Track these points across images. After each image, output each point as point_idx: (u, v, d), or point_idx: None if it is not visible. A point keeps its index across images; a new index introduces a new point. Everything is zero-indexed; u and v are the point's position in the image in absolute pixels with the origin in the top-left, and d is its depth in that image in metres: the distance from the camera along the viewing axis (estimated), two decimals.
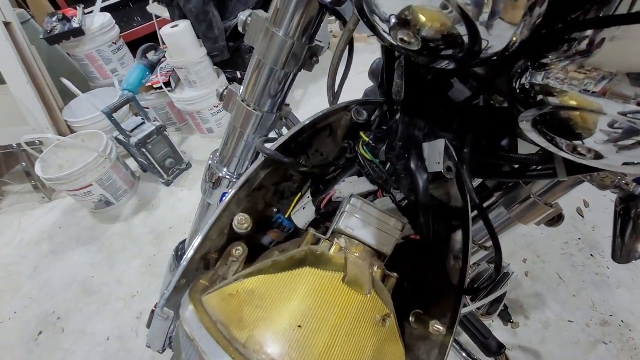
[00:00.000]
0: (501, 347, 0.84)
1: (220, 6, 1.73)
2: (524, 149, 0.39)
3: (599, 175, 0.35)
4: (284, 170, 0.40)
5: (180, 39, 1.58)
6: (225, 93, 0.45)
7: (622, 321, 1.16)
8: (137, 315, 1.30)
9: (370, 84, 0.53)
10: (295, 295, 0.28)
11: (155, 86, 1.79)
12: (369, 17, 0.25)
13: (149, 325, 0.62)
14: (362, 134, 0.39)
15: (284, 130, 0.48)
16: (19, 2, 2.06)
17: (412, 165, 0.33)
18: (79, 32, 1.75)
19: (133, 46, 2.01)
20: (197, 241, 0.33)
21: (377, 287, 0.30)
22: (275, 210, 0.42)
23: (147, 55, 1.81)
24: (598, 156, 0.23)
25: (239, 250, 0.36)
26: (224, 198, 0.40)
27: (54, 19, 1.77)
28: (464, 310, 0.71)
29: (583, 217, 1.43)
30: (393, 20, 0.23)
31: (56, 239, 1.60)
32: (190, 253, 0.32)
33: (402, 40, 0.23)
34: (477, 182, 0.50)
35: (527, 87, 0.25)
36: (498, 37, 0.22)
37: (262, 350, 0.25)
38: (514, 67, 0.26)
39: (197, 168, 1.82)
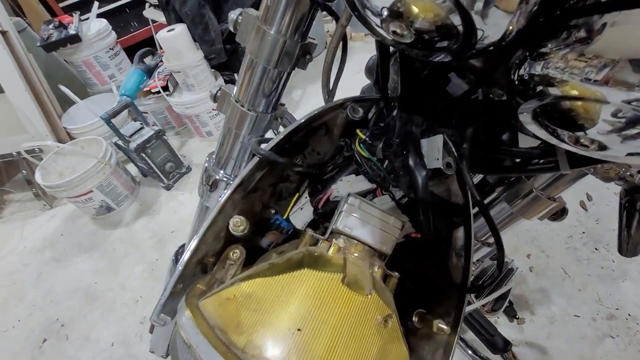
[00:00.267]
0: (507, 344, 0.83)
1: (216, 9, 1.73)
2: (524, 142, 0.38)
3: (602, 167, 0.34)
4: (280, 170, 0.39)
5: (176, 42, 1.57)
6: (218, 94, 0.45)
7: (628, 314, 1.15)
8: (141, 320, 1.29)
9: (367, 82, 0.52)
10: (294, 297, 0.27)
11: (153, 90, 1.79)
12: (361, 11, 0.24)
13: (151, 330, 0.62)
14: (358, 131, 0.38)
15: (281, 130, 0.48)
16: (15, 11, 2.07)
17: (411, 162, 0.33)
18: (75, 39, 1.75)
19: (130, 51, 2.01)
20: (192, 245, 0.32)
21: (377, 288, 0.29)
22: (272, 211, 0.41)
23: (145, 59, 1.82)
24: (602, 147, 0.23)
25: (236, 253, 0.35)
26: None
27: (51, 26, 1.77)
28: (468, 308, 0.70)
29: (586, 210, 1.42)
30: (385, 13, 0.22)
31: (58, 246, 1.60)
32: (185, 257, 0.32)
33: (394, 33, 0.22)
34: (477, 177, 0.49)
35: (526, 77, 0.24)
36: (494, 26, 0.21)
37: (261, 354, 0.25)
38: (512, 58, 0.25)
39: (197, 171, 1.82)
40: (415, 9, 0.21)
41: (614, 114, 0.21)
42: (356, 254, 0.32)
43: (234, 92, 0.44)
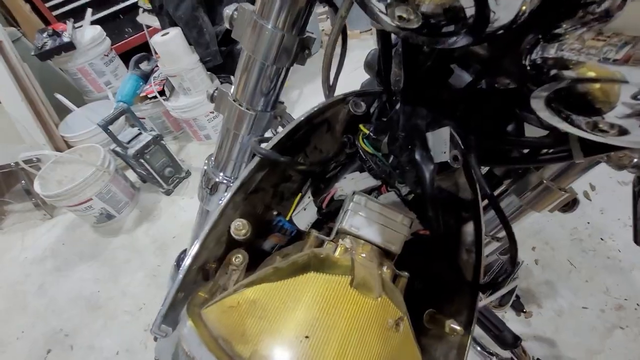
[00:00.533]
0: (517, 339, 0.82)
1: (209, 11, 1.71)
2: (530, 133, 0.37)
3: (616, 154, 0.32)
4: (282, 170, 0.38)
5: (171, 46, 1.56)
6: (215, 94, 0.43)
7: (637, 304, 1.13)
8: (145, 328, 1.28)
9: (366, 77, 0.51)
10: (300, 303, 0.26)
11: (149, 96, 1.78)
12: None
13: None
14: (361, 126, 0.37)
15: (280, 130, 0.46)
16: (9, 21, 2.06)
17: (417, 156, 0.31)
18: (70, 47, 1.74)
19: (125, 57, 2.00)
20: (192, 251, 0.31)
21: (387, 289, 0.28)
22: (275, 213, 0.40)
23: (140, 65, 1.80)
24: (622, 132, 0.21)
25: (238, 258, 0.34)
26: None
27: (44, 34, 1.76)
28: (479, 304, 0.68)
29: (590, 200, 1.41)
30: None
31: (60, 255, 1.59)
32: (186, 264, 0.31)
33: (400, 18, 0.21)
34: (484, 170, 0.47)
35: (539, 62, 0.23)
36: (505, 7, 0.20)
37: None
38: (523, 42, 0.24)
39: (197, 175, 1.81)
40: None
41: (634, 95, 0.20)
42: (364, 255, 0.31)
43: (232, 91, 0.42)
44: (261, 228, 0.39)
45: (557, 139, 0.31)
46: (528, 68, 0.24)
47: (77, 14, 2.01)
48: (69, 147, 1.71)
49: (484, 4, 0.19)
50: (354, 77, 0.60)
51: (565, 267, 1.25)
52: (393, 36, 0.36)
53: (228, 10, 0.35)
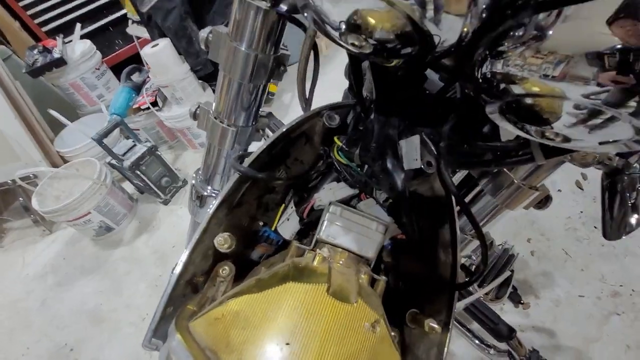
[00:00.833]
0: (512, 330, 0.83)
1: (197, 20, 1.72)
2: (506, 134, 0.38)
3: (579, 154, 0.34)
4: (264, 183, 0.39)
5: (161, 57, 1.57)
6: (198, 111, 0.45)
7: (632, 290, 1.15)
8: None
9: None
10: (280, 312, 0.27)
11: (142, 107, 1.79)
12: (321, 26, 0.24)
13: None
14: (335, 138, 0.38)
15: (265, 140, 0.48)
16: None
17: (389, 165, 0.33)
18: (61, 62, 1.75)
19: (117, 69, 2.01)
20: (179, 267, 0.32)
21: (364, 294, 0.30)
22: (261, 223, 0.42)
23: (132, 77, 1.81)
24: (566, 139, 0.23)
25: (225, 270, 0.36)
26: None
27: (35, 51, 1.77)
28: (470, 298, 0.70)
29: (582, 189, 1.42)
30: (343, 27, 0.23)
31: (61, 270, 1.60)
32: (173, 280, 0.32)
33: (353, 44, 0.23)
34: (464, 172, 0.49)
35: (489, 76, 0.24)
36: (449, 30, 0.21)
37: None
38: (474, 57, 0.25)
39: None
40: (371, 21, 0.22)
41: (575, 107, 0.21)
42: (341, 262, 0.32)
43: (213, 108, 0.44)
44: (248, 239, 0.40)
45: (521, 142, 0.32)
46: (480, 81, 0.25)
47: (66, 29, 2.03)
48: (65, 162, 1.72)
49: (425, 34, 0.20)
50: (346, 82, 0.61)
51: (561, 256, 1.27)
52: None
53: (203, 34, 0.37)
